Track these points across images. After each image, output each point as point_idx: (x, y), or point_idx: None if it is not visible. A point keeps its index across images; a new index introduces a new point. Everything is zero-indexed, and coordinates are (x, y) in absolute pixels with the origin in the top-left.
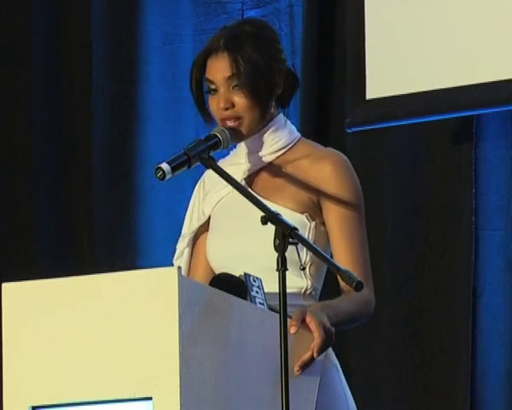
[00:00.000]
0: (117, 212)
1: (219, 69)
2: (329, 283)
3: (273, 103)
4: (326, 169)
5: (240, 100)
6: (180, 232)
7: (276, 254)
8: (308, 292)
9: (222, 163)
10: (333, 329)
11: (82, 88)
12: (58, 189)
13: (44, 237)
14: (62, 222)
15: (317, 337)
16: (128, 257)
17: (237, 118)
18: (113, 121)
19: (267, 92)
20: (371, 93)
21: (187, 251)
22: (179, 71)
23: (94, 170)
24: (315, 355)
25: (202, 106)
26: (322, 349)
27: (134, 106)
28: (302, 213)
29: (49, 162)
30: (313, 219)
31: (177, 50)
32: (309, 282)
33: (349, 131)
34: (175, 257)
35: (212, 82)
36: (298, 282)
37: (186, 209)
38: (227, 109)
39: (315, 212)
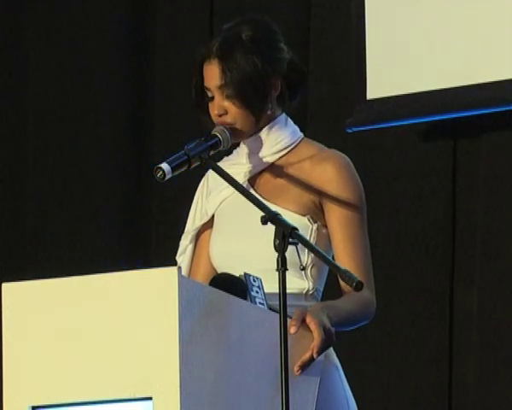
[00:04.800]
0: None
1: (212, 76)
2: (332, 284)
3: (271, 105)
4: (328, 171)
5: (232, 108)
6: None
7: (277, 256)
8: (310, 293)
9: (225, 162)
10: (333, 329)
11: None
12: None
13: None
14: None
15: (316, 337)
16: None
17: (231, 124)
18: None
19: (260, 98)
20: (372, 93)
21: (190, 248)
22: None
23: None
24: (315, 355)
25: (202, 110)
26: (322, 349)
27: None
28: (304, 215)
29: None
30: (315, 222)
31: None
32: (310, 283)
33: (349, 131)
34: (178, 253)
35: (208, 89)
36: (299, 283)
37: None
38: (221, 116)
39: (317, 214)
